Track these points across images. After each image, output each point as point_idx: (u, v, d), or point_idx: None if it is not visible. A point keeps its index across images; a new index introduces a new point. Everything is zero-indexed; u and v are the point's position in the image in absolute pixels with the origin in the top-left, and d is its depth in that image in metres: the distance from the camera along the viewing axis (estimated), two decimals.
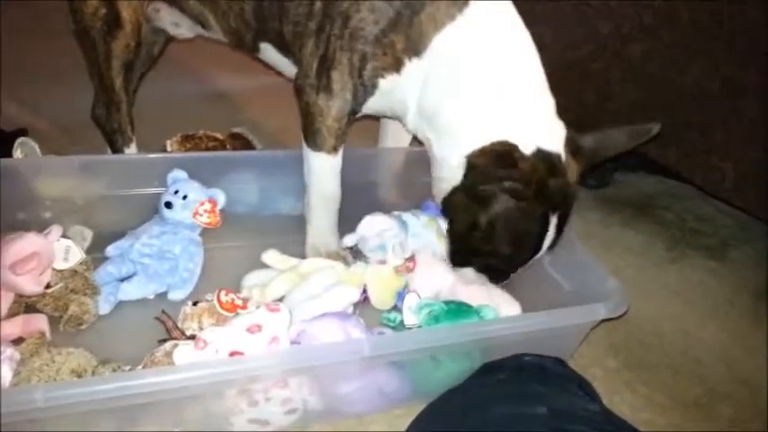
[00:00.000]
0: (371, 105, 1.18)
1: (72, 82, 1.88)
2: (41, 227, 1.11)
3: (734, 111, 1.40)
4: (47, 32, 2.27)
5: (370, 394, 0.98)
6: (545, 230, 1.06)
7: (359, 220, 1.27)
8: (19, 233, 1.06)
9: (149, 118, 1.54)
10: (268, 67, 1.38)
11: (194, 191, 1.23)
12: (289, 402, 0.92)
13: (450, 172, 1.10)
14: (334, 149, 1.19)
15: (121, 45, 1.32)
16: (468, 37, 1.06)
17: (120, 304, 1.13)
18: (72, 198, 1.23)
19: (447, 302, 1.09)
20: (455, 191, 1.11)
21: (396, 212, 1.31)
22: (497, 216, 1.05)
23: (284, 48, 1.24)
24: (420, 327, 1.06)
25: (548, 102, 1.09)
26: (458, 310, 1.06)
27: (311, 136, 1.18)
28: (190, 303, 1.10)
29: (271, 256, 1.22)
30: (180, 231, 1.20)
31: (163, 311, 1.09)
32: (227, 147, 1.58)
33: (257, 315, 0.95)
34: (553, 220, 1.06)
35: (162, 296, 1.16)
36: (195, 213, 1.22)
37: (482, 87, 1.06)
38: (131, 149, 1.44)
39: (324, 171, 1.22)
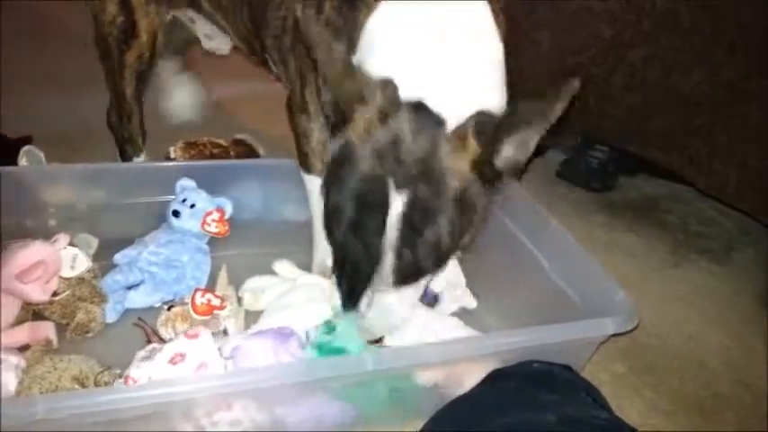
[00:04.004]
0: None
1: (76, 90, 1.89)
2: (47, 235, 1.12)
3: (736, 115, 1.40)
4: (49, 39, 2.29)
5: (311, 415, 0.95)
6: (374, 208, 0.79)
7: None
8: (25, 241, 1.07)
9: (152, 125, 1.54)
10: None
11: (202, 200, 1.23)
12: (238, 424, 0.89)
13: None
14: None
15: (135, 55, 1.33)
16: (385, 19, 0.91)
17: (127, 312, 1.13)
18: (77, 206, 1.24)
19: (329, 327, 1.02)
20: None
21: None
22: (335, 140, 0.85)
23: (275, 64, 1.21)
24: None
25: (476, 70, 0.87)
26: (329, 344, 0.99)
27: (301, 158, 1.17)
28: (165, 308, 1.10)
29: (282, 267, 1.22)
30: (187, 240, 1.21)
31: (139, 318, 1.10)
32: (231, 153, 1.59)
33: (178, 344, 0.92)
34: (397, 202, 0.79)
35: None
36: (204, 223, 1.22)
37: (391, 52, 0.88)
38: (140, 160, 1.45)
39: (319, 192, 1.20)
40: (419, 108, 0.81)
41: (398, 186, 0.79)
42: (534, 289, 1.17)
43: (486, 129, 0.81)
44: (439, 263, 0.86)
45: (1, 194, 1.15)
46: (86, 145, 1.61)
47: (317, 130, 1.12)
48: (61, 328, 1.07)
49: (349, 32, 0.94)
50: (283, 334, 0.98)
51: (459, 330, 1.09)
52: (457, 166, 0.81)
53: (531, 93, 0.88)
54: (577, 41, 1.60)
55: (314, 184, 1.18)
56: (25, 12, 2.39)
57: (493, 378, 0.93)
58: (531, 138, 0.81)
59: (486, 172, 0.83)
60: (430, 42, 0.86)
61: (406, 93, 0.82)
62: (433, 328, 1.07)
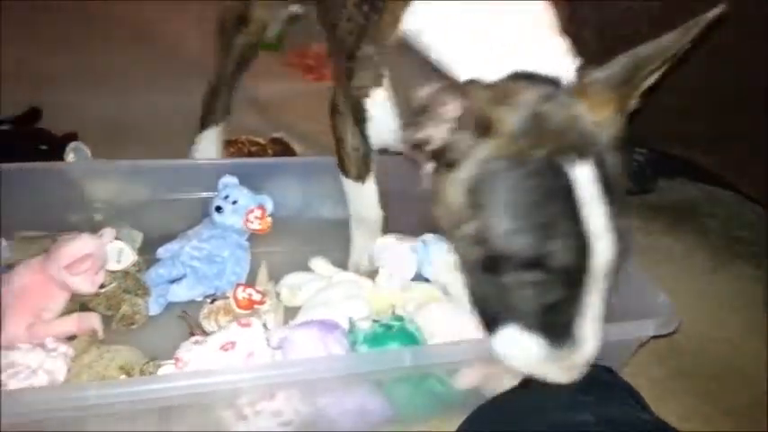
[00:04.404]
0: (382, 137, 1.04)
1: (120, 87, 1.94)
2: (93, 229, 1.15)
3: None
4: (93, 37, 2.34)
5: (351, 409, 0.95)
6: (561, 186, 0.68)
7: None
8: (74, 234, 1.10)
9: (190, 123, 1.57)
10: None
11: (244, 197, 1.26)
12: (280, 414, 0.91)
13: None
14: (360, 178, 1.17)
15: (243, 41, 1.43)
16: (425, 16, 0.84)
17: (170, 305, 1.16)
18: (122, 201, 1.27)
19: (383, 325, 0.99)
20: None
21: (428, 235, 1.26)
22: (463, 168, 0.72)
23: None
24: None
25: (542, 39, 0.81)
26: (382, 335, 0.97)
27: (338, 161, 1.18)
28: (208, 301, 1.12)
29: (318, 264, 1.24)
30: (229, 236, 1.23)
31: (183, 311, 1.12)
32: (268, 151, 1.62)
33: (230, 332, 0.95)
34: (581, 172, 0.69)
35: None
36: (246, 221, 1.25)
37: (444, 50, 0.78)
38: (210, 133, 1.55)
39: (355, 196, 1.21)
40: (525, 77, 0.73)
41: (575, 158, 0.69)
42: None
43: (613, 78, 0.75)
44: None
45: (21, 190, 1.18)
46: (131, 142, 1.65)
47: (350, 134, 1.11)
48: (106, 320, 1.09)
49: (372, 35, 0.92)
50: (329, 325, 1.00)
51: None
52: (600, 117, 0.74)
53: None
54: (622, 41, 1.58)
55: (349, 185, 1.20)
56: (70, 11, 2.45)
57: (531, 378, 0.92)
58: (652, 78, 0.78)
59: (621, 119, 0.76)
60: (484, 24, 0.80)
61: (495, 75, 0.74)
62: (470, 329, 1.07)
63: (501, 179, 0.70)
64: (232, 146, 1.59)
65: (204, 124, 1.56)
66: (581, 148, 0.70)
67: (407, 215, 1.23)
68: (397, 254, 1.20)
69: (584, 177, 0.69)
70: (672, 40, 0.77)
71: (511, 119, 0.70)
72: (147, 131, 1.54)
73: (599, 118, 0.73)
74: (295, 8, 1.43)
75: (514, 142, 0.70)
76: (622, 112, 0.77)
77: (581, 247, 0.69)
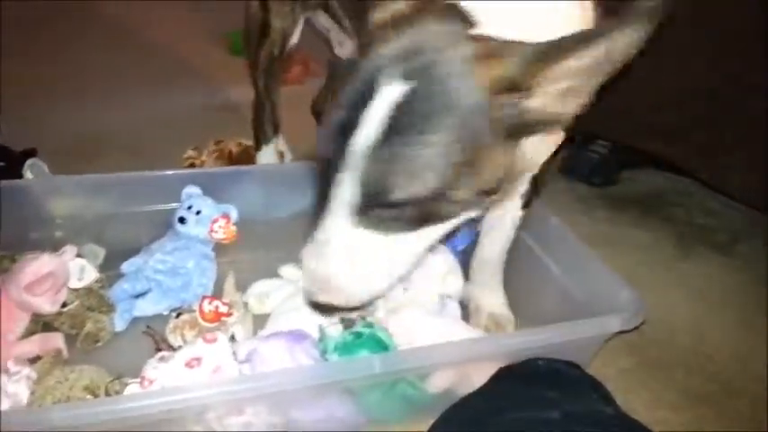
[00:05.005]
0: None
1: (79, 100, 1.91)
2: (54, 246, 1.13)
3: (740, 108, 1.39)
4: (51, 50, 2.30)
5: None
6: (363, 96, 0.66)
7: None
8: (34, 254, 1.08)
9: (156, 134, 1.55)
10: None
11: (207, 207, 1.25)
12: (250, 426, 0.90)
13: None
14: None
15: (266, 52, 1.41)
16: None
17: (135, 320, 1.14)
18: (84, 217, 1.25)
19: (353, 332, 0.99)
20: None
21: None
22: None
23: None
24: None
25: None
26: (352, 343, 0.97)
27: None
28: (174, 315, 1.11)
29: (287, 271, 1.23)
30: (193, 246, 1.22)
31: (148, 326, 1.10)
32: (251, 153, 1.62)
33: (195, 348, 0.94)
34: (388, 90, 0.65)
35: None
36: (211, 231, 1.24)
37: None
38: (267, 149, 1.56)
39: None
40: (450, 7, 0.69)
41: (397, 76, 0.65)
42: (539, 287, 1.17)
43: (529, 55, 0.64)
44: (414, 181, 0.67)
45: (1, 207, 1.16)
46: (90, 155, 1.62)
47: None
48: (71, 339, 1.07)
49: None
50: (297, 336, 0.99)
51: (466, 333, 1.10)
52: (476, 74, 0.65)
53: None
54: None
55: None
56: (23, 21, 2.40)
57: (499, 377, 0.93)
58: (585, 80, 0.67)
59: (508, 107, 0.66)
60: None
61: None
62: (441, 331, 1.07)
63: (340, 75, 0.74)
64: (215, 145, 1.60)
65: (258, 143, 1.57)
66: (417, 73, 0.65)
67: None
68: None
69: (386, 96, 0.65)
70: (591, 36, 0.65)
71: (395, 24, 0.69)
72: (107, 144, 1.51)
73: (469, 72, 0.65)
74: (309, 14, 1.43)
75: (372, 47, 0.69)
76: (499, 89, 0.66)
77: (334, 162, 0.69)
